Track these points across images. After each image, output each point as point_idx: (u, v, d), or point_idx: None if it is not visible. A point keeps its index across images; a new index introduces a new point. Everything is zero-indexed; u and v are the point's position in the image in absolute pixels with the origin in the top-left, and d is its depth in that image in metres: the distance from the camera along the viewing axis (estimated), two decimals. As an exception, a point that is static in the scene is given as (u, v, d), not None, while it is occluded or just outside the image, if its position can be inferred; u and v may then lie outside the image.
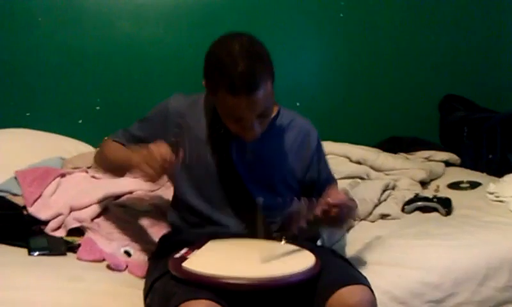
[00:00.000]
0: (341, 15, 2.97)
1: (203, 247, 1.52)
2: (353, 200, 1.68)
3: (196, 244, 1.54)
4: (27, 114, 2.57)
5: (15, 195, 2.03)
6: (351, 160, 2.58)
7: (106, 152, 1.72)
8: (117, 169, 1.69)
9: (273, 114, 1.69)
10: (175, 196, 1.75)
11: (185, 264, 1.41)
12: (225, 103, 1.49)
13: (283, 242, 1.58)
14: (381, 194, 2.37)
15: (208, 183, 1.65)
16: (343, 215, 1.53)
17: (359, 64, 3.06)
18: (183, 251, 1.49)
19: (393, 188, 2.46)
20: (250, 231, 1.63)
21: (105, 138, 1.78)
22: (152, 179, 1.43)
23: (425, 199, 2.34)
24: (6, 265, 1.64)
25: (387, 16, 3.07)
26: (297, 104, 2.76)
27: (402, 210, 2.33)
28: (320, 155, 1.76)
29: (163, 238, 1.74)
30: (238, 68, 1.43)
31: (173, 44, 2.72)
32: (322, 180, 1.74)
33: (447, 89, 3.20)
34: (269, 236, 1.62)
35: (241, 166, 1.65)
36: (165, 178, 1.52)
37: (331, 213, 1.49)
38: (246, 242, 1.59)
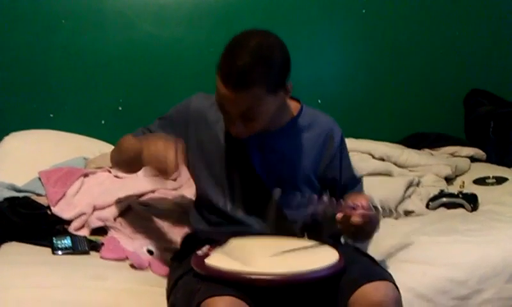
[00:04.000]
0: (363, 10, 2.95)
1: (226, 244, 1.52)
2: (376, 208, 1.60)
3: (218, 242, 1.54)
4: (51, 115, 2.60)
5: (39, 195, 2.05)
6: (374, 157, 2.55)
7: (121, 145, 1.72)
8: (131, 163, 1.67)
9: (295, 113, 1.68)
10: (197, 196, 1.75)
11: (207, 260, 1.41)
12: (217, 88, 1.49)
13: (305, 240, 1.57)
14: (405, 190, 2.34)
15: (229, 182, 1.65)
16: (364, 226, 1.48)
17: (382, 59, 3.03)
18: (205, 248, 1.49)
19: (417, 185, 2.43)
20: (271, 230, 1.62)
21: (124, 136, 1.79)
22: (161, 176, 1.47)
23: (451, 195, 2.31)
24: (31, 264, 1.65)
25: (410, 11, 3.04)
26: (319, 101, 2.74)
27: (427, 206, 2.31)
28: (342, 154, 1.72)
29: (186, 237, 1.74)
30: (237, 61, 1.44)
31: (194, 44, 2.72)
32: (344, 180, 1.71)
33: (472, 84, 3.15)
34: (291, 234, 1.61)
35: (260, 165, 1.64)
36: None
37: (352, 222, 1.46)
38: (269, 240, 1.58)
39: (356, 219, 1.45)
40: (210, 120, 1.66)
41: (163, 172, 1.44)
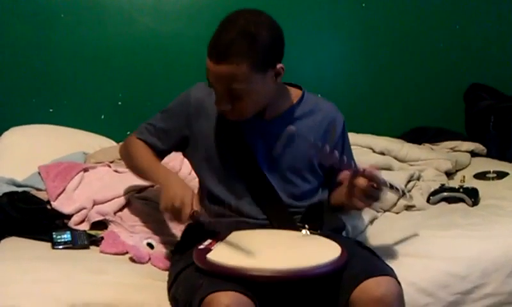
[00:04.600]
0: (363, 4, 2.94)
1: (227, 238, 1.52)
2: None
3: (219, 235, 1.53)
4: (50, 110, 2.59)
5: (39, 190, 2.04)
6: (374, 151, 2.54)
7: (133, 156, 1.73)
8: (143, 178, 1.74)
9: (295, 100, 1.68)
10: (200, 188, 1.75)
11: (209, 256, 1.40)
12: (206, 61, 1.51)
13: (306, 232, 1.56)
14: (406, 184, 2.34)
15: (228, 172, 1.65)
16: (370, 191, 1.47)
17: (382, 54, 3.02)
18: (207, 242, 1.49)
19: (418, 179, 2.42)
20: (273, 221, 1.61)
21: (129, 135, 1.79)
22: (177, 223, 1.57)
23: (451, 189, 2.31)
24: (31, 259, 1.65)
25: (410, 5, 3.03)
26: (319, 95, 2.73)
27: (428, 200, 2.30)
28: (344, 140, 1.74)
29: (187, 229, 1.73)
30: (222, 34, 1.47)
31: (194, 38, 2.70)
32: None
33: (472, 78, 3.14)
34: (292, 226, 1.60)
35: (261, 154, 1.64)
36: None
37: (356, 183, 1.46)
38: (270, 232, 1.58)
39: (361, 181, 1.46)
40: (209, 109, 1.66)
41: (177, 219, 1.50)
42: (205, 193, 1.68)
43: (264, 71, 1.51)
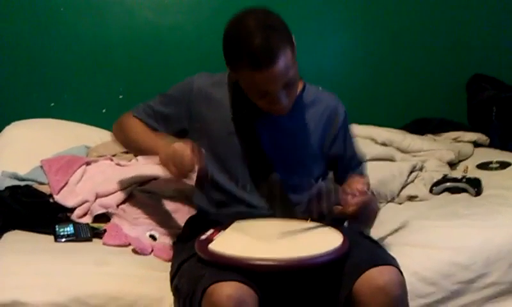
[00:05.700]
0: (365, -5, 2.93)
1: (229, 228, 1.52)
2: (373, 193, 1.62)
3: (222, 224, 1.53)
4: (52, 104, 2.59)
5: (41, 183, 2.05)
6: (376, 142, 2.54)
7: (128, 130, 1.72)
8: (139, 152, 1.69)
9: (299, 90, 1.67)
10: (199, 176, 1.74)
11: (211, 246, 1.40)
12: (248, 80, 1.48)
13: (308, 222, 1.56)
14: (408, 175, 2.33)
15: (233, 162, 1.64)
16: (361, 215, 1.50)
17: (384, 45, 3.01)
18: (209, 233, 1.49)
19: (420, 170, 2.42)
20: (275, 211, 1.62)
21: (124, 113, 1.79)
22: (177, 178, 1.50)
23: (454, 179, 2.31)
24: (34, 252, 1.66)
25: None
26: (320, 88, 2.71)
27: (431, 191, 2.30)
28: (346, 130, 1.74)
29: (190, 220, 1.73)
30: (255, 42, 1.43)
31: (194, 31, 2.71)
32: (348, 156, 1.72)
33: (474, 69, 3.13)
34: (294, 216, 1.60)
35: (269, 145, 1.64)
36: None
37: (348, 212, 1.47)
38: (272, 222, 1.58)
39: (351, 208, 1.47)
40: (214, 99, 1.66)
41: (179, 174, 1.47)
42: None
43: (294, 48, 1.52)
